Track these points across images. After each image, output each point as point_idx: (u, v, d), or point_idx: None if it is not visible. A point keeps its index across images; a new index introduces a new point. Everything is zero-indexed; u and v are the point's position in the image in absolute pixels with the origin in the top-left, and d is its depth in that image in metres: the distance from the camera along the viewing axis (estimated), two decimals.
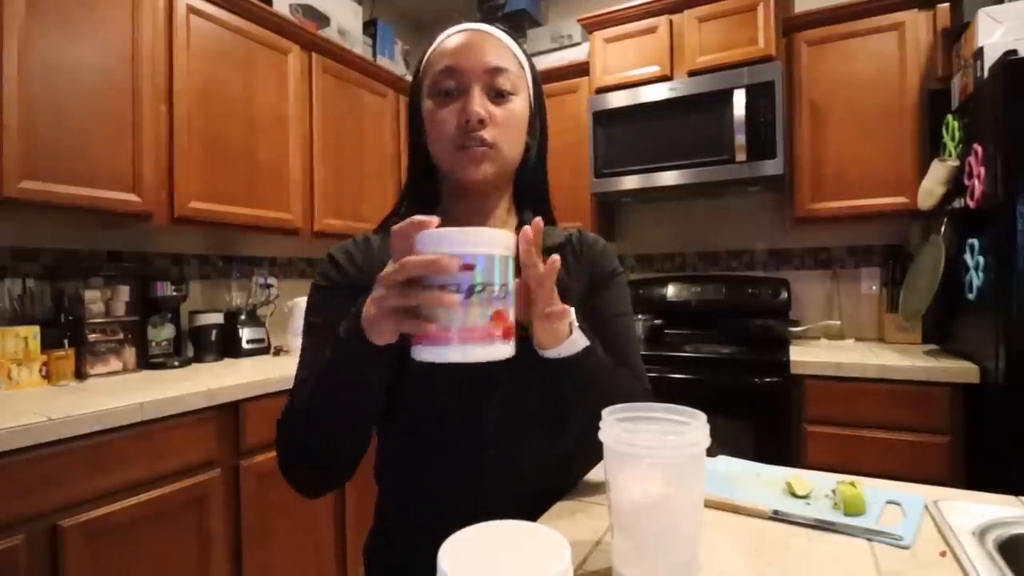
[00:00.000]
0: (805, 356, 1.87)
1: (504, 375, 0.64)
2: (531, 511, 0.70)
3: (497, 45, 0.70)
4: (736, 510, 0.71)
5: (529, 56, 0.77)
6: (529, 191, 0.80)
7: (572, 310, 0.63)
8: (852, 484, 0.70)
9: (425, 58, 0.74)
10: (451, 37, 0.71)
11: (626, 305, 0.82)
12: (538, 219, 0.57)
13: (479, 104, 0.67)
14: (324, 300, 0.73)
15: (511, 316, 0.53)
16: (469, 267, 0.49)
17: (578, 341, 0.64)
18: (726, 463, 0.88)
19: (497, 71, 0.68)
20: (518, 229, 0.73)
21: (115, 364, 1.75)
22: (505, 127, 0.69)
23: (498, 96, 0.69)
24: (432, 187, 0.77)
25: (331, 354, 0.60)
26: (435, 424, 0.72)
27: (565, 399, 0.68)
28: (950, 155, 1.76)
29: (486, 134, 0.67)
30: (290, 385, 0.75)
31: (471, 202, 0.75)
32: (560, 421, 0.74)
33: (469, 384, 0.70)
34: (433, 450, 0.73)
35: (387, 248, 0.64)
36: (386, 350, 0.56)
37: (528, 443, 0.73)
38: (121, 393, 1.43)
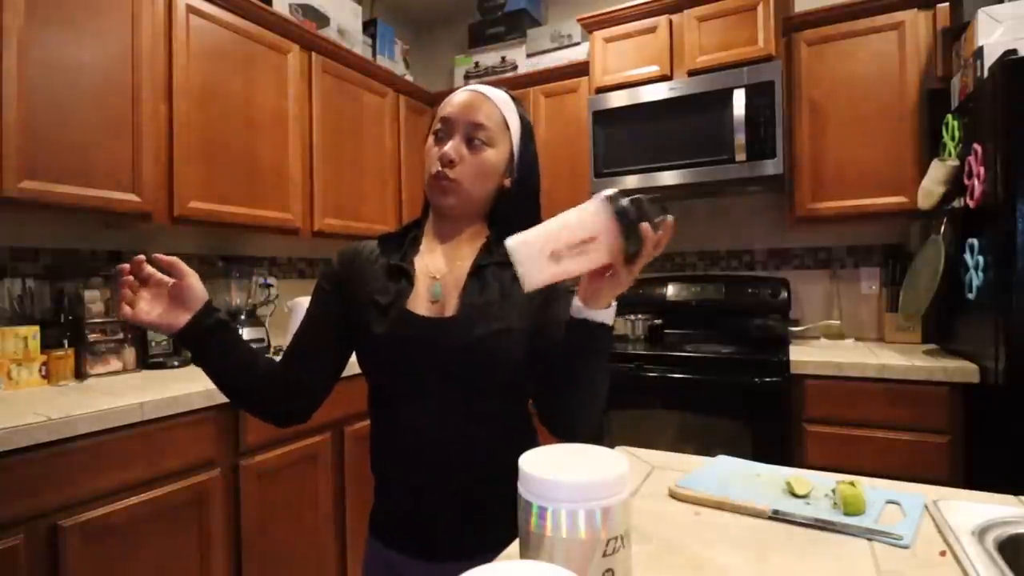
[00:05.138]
0: (805, 356, 1.87)
1: (446, 347, 0.79)
2: (476, 470, 0.81)
3: (488, 106, 0.86)
4: (736, 510, 0.71)
5: (525, 118, 0.92)
6: (508, 224, 0.87)
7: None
8: (852, 484, 0.71)
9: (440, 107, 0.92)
10: (459, 93, 0.88)
11: None
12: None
13: (452, 147, 0.84)
14: (316, 291, 0.92)
15: None
16: None
17: (611, 314, 0.72)
18: (726, 463, 0.88)
19: (478, 127, 0.84)
20: (484, 248, 0.88)
21: (115, 364, 1.75)
22: (470, 169, 0.85)
23: (472, 144, 0.85)
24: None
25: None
26: (388, 389, 0.86)
27: (574, 361, 0.75)
28: (950, 155, 1.76)
29: (451, 172, 0.84)
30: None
31: (442, 223, 0.91)
32: (504, 389, 0.84)
33: (415, 352, 0.82)
34: (389, 413, 0.86)
35: (372, 255, 0.91)
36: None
37: (468, 408, 0.82)
38: (121, 393, 1.43)
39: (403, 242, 0.91)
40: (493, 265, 0.86)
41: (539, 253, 0.61)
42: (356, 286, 0.88)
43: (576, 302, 0.71)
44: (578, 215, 0.62)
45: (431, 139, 0.88)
